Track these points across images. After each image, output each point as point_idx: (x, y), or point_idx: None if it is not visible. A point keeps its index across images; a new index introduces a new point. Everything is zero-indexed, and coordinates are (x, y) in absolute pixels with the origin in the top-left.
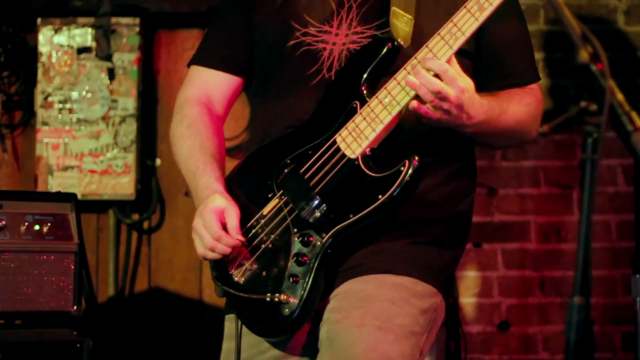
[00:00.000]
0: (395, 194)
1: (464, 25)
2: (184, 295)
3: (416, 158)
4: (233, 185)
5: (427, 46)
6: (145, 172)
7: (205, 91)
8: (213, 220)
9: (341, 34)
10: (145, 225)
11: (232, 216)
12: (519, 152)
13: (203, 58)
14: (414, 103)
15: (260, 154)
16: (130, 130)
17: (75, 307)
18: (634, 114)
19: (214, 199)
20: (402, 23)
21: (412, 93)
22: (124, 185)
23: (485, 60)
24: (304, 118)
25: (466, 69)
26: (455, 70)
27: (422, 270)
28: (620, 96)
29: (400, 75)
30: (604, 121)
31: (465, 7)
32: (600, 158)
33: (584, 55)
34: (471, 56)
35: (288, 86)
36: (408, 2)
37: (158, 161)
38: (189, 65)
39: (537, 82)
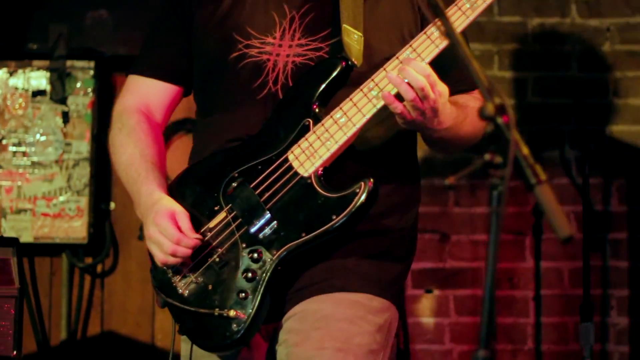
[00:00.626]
0: (349, 215)
1: (424, 51)
2: (137, 339)
3: (371, 180)
4: (175, 194)
5: (411, 45)
6: (99, 215)
7: (144, 100)
8: (169, 224)
9: (284, 45)
10: (99, 268)
11: (184, 219)
12: (472, 198)
13: (141, 67)
14: (391, 98)
15: (204, 165)
16: (83, 173)
17: (15, 352)
18: (537, 167)
19: (162, 204)
20: (352, 41)
21: (380, 105)
22: (76, 229)
23: (435, 65)
24: (250, 132)
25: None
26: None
27: (376, 285)
28: (525, 149)
29: (363, 90)
30: (507, 174)
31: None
32: (505, 211)
33: (489, 107)
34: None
35: (233, 98)
36: (357, 18)
37: (112, 205)
38: (127, 74)
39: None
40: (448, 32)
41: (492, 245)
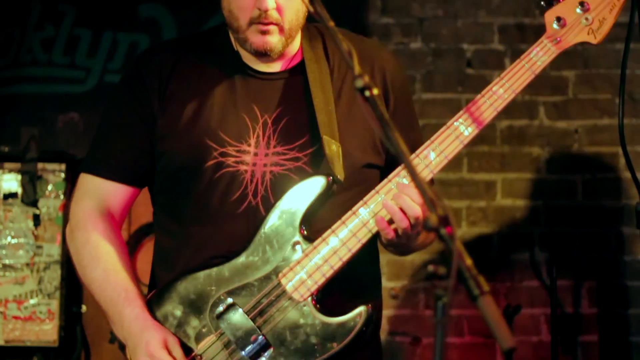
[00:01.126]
0: (349, 343)
1: (447, 148)
2: None
3: (369, 306)
4: (157, 313)
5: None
6: (70, 318)
7: (104, 203)
8: (163, 354)
9: (260, 153)
10: None
11: (177, 348)
12: None
13: (99, 168)
14: (384, 224)
15: (187, 283)
16: (54, 276)
17: None
18: (480, 278)
19: (152, 332)
20: (332, 152)
21: (375, 230)
22: (47, 332)
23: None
24: (233, 248)
25: (374, 179)
26: None
27: None
28: (468, 260)
29: (356, 212)
30: (450, 285)
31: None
32: (447, 322)
33: (433, 219)
34: (380, 168)
35: (210, 211)
36: (332, 125)
37: (83, 307)
38: (81, 171)
39: None
40: (391, 142)
41: (437, 356)
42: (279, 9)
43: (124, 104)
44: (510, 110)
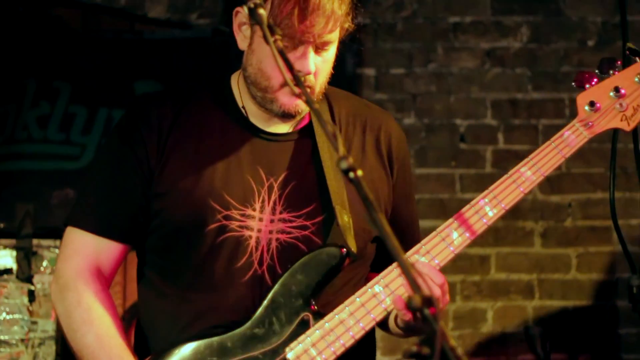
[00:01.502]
0: None
1: (473, 225)
2: None
3: None
4: None
5: (423, 245)
6: None
7: (94, 262)
8: None
9: (265, 219)
10: None
11: None
12: None
13: (89, 222)
14: (402, 304)
15: (185, 351)
16: (49, 352)
17: None
18: (465, 359)
19: None
20: (345, 223)
21: (391, 308)
22: None
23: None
24: (236, 318)
25: (371, 253)
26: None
27: None
28: (452, 340)
29: (371, 289)
30: None
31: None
32: None
33: (416, 300)
34: (377, 239)
35: (214, 278)
36: (342, 195)
37: None
38: (68, 224)
39: None
40: (376, 224)
41: None
42: (315, 73)
43: (118, 154)
44: None
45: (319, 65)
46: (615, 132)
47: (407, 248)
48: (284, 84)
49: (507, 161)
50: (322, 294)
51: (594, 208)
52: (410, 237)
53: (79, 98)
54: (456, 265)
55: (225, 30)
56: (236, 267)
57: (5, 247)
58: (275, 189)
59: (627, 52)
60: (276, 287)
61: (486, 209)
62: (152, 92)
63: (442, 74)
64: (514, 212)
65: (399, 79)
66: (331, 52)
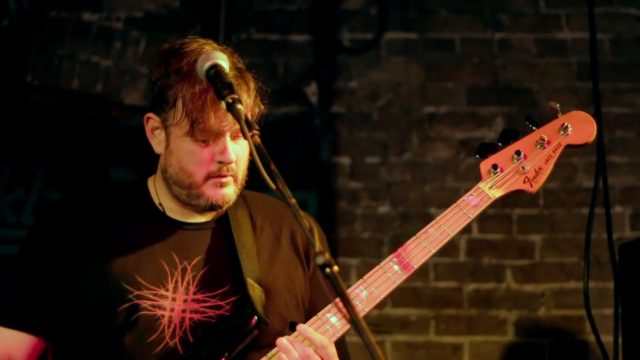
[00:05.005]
0: None
1: (380, 286)
2: None
3: None
4: None
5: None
6: None
7: (7, 353)
8: None
9: (178, 299)
10: None
11: None
12: None
13: (3, 316)
14: None
15: None
16: None
17: None
18: None
19: None
20: (256, 295)
21: None
22: None
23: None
24: None
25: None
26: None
27: None
28: None
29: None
30: None
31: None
32: None
33: None
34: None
35: (123, 351)
36: (255, 273)
37: None
38: None
39: None
40: (351, 318)
41: None
42: (236, 161)
43: (29, 250)
44: (477, 273)
45: (238, 153)
46: (589, 222)
47: None
48: (207, 177)
49: (481, 250)
50: (241, 357)
51: (568, 297)
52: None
53: (53, 183)
54: (429, 353)
55: None
56: (147, 341)
57: None
58: (189, 270)
59: (526, 121)
60: (187, 354)
61: (395, 267)
62: (72, 194)
63: (416, 164)
64: (488, 301)
65: (374, 168)
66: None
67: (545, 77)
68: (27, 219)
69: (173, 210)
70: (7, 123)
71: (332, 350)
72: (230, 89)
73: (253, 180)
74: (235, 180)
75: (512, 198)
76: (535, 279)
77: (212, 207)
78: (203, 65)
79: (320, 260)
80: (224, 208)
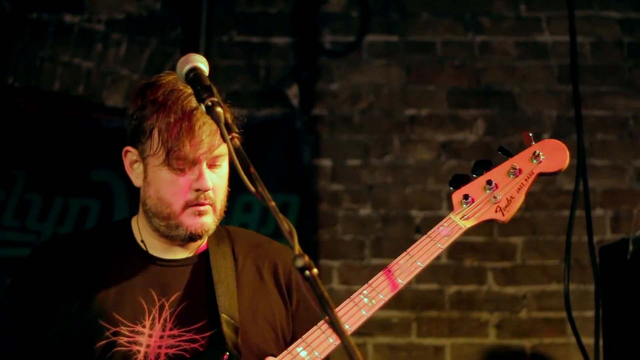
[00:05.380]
0: None
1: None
2: None
3: None
4: None
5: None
6: None
7: None
8: None
9: (155, 335)
10: None
11: None
12: None
13: None
14: None
15: None
16: None
17: None
18: None
19: None
20: (231, 331)
21: None
22: None
23: None
24: None
25: None
26: None
27: None
28: None
29: None
30: None
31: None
32: None
33: None
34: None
35: None
36: (232, 308)
37: None
38: None
39: None
40: (331, 321)
41: None
42: (213, 189)
43: (15, 294)
44: (458, 275)
45: (215, 182)
46: (570, 225)
47: None
48: (185, 206)
49: (462, 253)
50: None
51: (549, 300)
52: None
53: (34, 185)
54: (411, 355)
55: None
56: None
57: None
58: (167, 307)
59: (499, 152)
60: None
61: (365, 300)
62: (56, 235)
63: (398, 166)
64: (469, 303)
65: (355, 170)
66: (225, 167)
67: (526, 79)
68: (8, 221)
69: (155, 247)
70: None
71: None
72: (210, 91)
73: (236, 182)
74: (214, 210)
75: None
76: (517, 281)
77: (191, 237)
78: (182, 68)
79: (299, 262)
80: (204, 238)
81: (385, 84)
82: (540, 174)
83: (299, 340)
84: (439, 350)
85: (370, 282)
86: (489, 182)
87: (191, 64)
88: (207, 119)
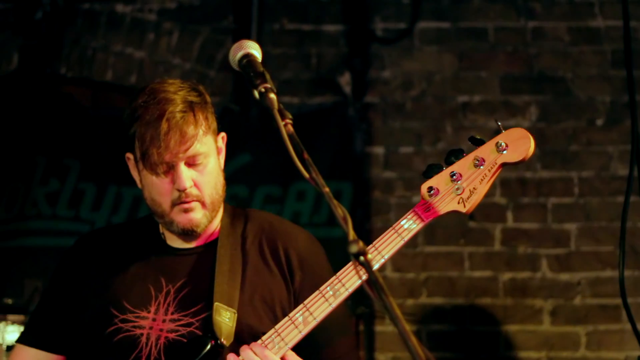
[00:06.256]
0: None
1: (287, 335)
2: None
3: None
4: None
5: (276, 330)
6: None
7: None
8: None
9: (158, 319)
10: None
11: None
12: None
13: (27, 337)
14: None
15: None
16: None
17: None
18: None
19: None
20: (224, 318)
21: None
22: None
23: (310, 343)
24: None
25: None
26: None
27: None
28: None
29: None
30: None
31: (320, 291)
32: None
33: None
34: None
35: None
36: (231, 294)
37: None
38: (16, 343)
39: None
40: (385, 306)
41: None
42: (196, 186)
43: (55, 280)
44: (512, 262)
45: (197, 179)
46: (624, 210)
47: (315, 352)
48: (172, 205)
49: (516, 240)
50: None
51: (603, 286)
52: (323, 341)
53: (88, 175)
54: (465, 343)
55: (235, 108)
56: None
57: (13, 322)
58: (172, 293)
59: (469, 141)
60: None
61: (330, 292)
62: (99, 229)
63: None
64: (523, 290)
65: (408, 158)
66: (209, 163)
67: (579, 65)
68: (63, 211)
69: (171, 238)
70: (42, 115)
71: None
72: (263, 78)
73: (290, 170)
74: (203, 205)
75: (547, 186)
76: (571, 268)
77: (185, 232)
78: (235, 55)
79: (354, 248)
80: (199, 231)
81: (437, 71)
82: (504, 164)
83: (300, 305)
84: (493, 336)
85: (337, 274)
86: (453, 174)
87: (244, 51)
88: (180, 122)
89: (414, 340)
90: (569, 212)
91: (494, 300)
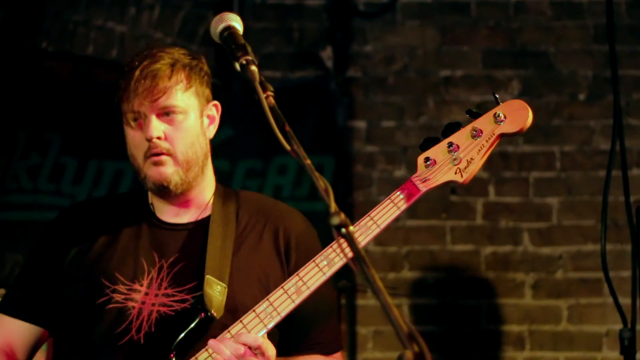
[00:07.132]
0: None
1: (280, 305)
2: None
3: None
4: None
5: (241, 321)
6: None
7: (7, 340)
8: None
9: (151, 293)
10: None
11: None
12: None
13: (7, 306)
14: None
15: None
16: None
17: None
18: None
19: None
20: (215, 292)
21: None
22: None
23: (293, 325)
24: None
25: (272, 337)
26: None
27: None
28: None
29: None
30: None
31: (282, 287)
32: None
33: (408, 355)
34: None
35: (93, 343)
36: (222, 269)
37: None
38: None
39: (340, 350)
40: (367, 279)
41: None
42: (167, 139)
43: (37, 250)
44: (494, 236)
45: (170, 132)
46: (606, 185)
47: (300, 339)
48: (145, 158)
49: (497, 213)
50: (192, 353)
51: (585, 260)
52: (310, 326)
53: (69, 149)
54: (447, 316)
55: (217, 82)
56: (115, 332)
57: None
58: (165, 268)
59: (467, 114)
60: (140, 345)
61: (324, 262)
62: (84, 201)
63: (432, 127)
64: (505, 264)
65: (390, 132)
66: (183, 119)
67: (561, 40)
68: (43, 185)
69: (162, 211)
70: (23, 89)
71: (268, 348)
72: (244, 50)
73: (271, 144)
74: (175, 160)
75: (529, 160)
76: (553, 242)
77: (158, 188)
78: (217, 27)
79: (336, 220)
80: (172, 187)
81: (419, 45)
82: (502, 135)
83: (294, 275)
84: (475, 309)
85: (331, 244)
86: (450, 145)
87: (225, 23)
88: (154, 72)
89: (396, 313)
90: (551, 186)
91: (476, 274)
